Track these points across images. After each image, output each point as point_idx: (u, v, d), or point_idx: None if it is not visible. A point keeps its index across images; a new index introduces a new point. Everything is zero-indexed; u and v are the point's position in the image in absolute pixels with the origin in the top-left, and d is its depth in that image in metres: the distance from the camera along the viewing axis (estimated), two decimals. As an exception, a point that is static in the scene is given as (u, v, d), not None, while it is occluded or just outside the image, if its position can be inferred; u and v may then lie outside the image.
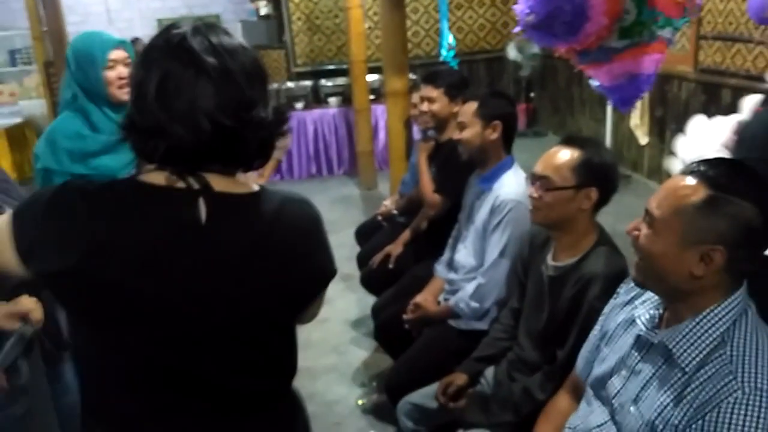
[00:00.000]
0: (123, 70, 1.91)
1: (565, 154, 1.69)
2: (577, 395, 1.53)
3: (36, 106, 7.18)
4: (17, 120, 6.54)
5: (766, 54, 3.81)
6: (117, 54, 1.92)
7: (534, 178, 1.73)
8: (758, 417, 1.06)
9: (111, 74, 1.90)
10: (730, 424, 1.07)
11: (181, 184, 0.98)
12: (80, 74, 1.90)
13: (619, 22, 1.91)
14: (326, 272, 1.11)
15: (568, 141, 1.73)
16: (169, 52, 0.96)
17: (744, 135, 1.84)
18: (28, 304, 1.41)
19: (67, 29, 5.17)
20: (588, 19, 1.88)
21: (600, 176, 1.67)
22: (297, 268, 1.06)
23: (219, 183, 1.00)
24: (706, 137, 2.01)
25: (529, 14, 1.92)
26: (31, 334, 1.40)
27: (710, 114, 4.21)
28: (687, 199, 1.15)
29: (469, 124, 2.20)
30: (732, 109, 4.02)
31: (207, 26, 1.01)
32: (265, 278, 1.02)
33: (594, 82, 2.29)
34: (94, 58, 1.89)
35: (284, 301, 1.07)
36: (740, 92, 3.91)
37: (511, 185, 2.13)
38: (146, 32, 8.37)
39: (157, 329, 1.00)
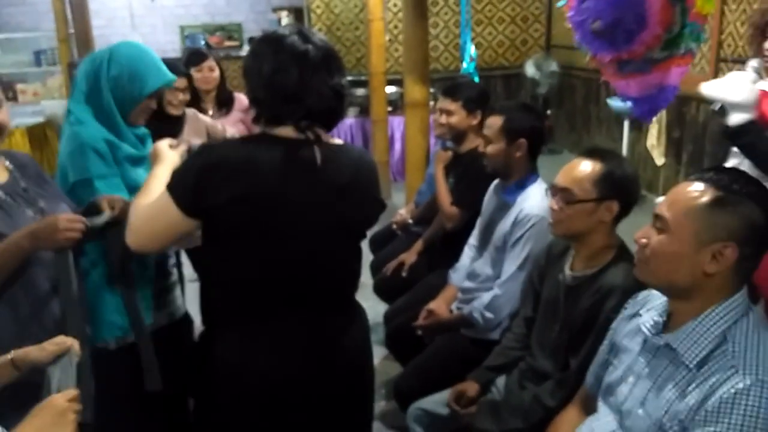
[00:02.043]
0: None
1: (587, 167, 1.70)
2: (587, 409, 1.55)
3: (58, 106, 7.28)
4: (39, 119, 6.63)
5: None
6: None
7: (555, 190, 1.74)
8: (759, 406, 1.11)
9: (147, 103, 1.85)
10: (732, 413, 1.11)
11: (302, 136, 1.40)
12: (122, 87, 1.81)
13: (667, 33, 1.93)
14: (383, 204, 1.59)
15: (590, 153, 1.75)
16: (294, 49, 1.37)
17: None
18: (66, 340, 1.34)
19: (92, 32, 5.28)
20: (645, 28, 1.91)
21: (621, 189, 1.69)
22: (371, 198, 1.54)
23: (324, 137, 1.44)
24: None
25: (595, 21, 1.93)
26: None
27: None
28: (697, 200, 1.21)
29: (494, 139, 2.21)
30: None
31: (306, 29, 1.43)
32: (356, 206, 1.48)
33: (613, 101, 2.31)
34: (145, 82, 1.82)
35: (364, 223, 1.56)
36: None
37: (536, 199, 2.13)
38: (169, 38, 8.47)
39: (285, 244, 1.40)
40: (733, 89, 2.07)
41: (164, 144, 1.65)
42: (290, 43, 1.37)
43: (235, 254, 1.41)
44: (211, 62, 3.32)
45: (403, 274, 2.84)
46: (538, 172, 2.25)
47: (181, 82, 2.52)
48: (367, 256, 3.52)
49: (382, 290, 3.05)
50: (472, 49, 4.02)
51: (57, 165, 1.89)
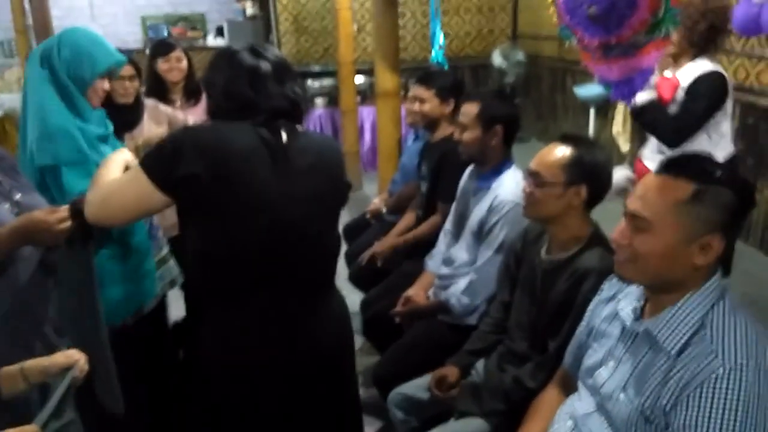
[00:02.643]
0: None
1: (558, 152, 1.73)
2: (566, 389, 1.57)
3: (16, 99, 7.08)
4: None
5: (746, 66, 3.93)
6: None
7: (528, 174, 1.78)
8: (740, 390, 1.12)
9: (99, 84, 1.88)
10: (713, 398, 1.13)
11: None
12: (73, 67, 1.82)
13: (653, 17, 2.03)
14: (350, 184, 1.72)
15: (563, 139, 1.78)
16: (244, 63, 1.52)
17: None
18: (74, 354, 1.38)
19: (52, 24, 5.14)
20: (635, 12, 1.99)
21: (590, 174, 1.71)
22: (338, 177, 1.63)
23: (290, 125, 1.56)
24: None
25: (591, 6, 1.99)
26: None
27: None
28: (676, 196, 1.20)
29: (469, 126, 2.22)
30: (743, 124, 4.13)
31: (259, 47, 1.56)
32: (323, 181, 1.57)
33: (579, 90, 2.42)
34: (95, 62, 1.84)
35: (333, 200, 1.63)
36: (736, 105, 4.01)
37: (510, 185, 2.15)
38: (130, 29, 8.31)
39: (256, 222, 1.47)
40: None
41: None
42: (241, 58, 1.53)
43: (208, 232, 1.49)
44: (179, 53, 3.26)
45: (378, 263, 2.84)
46: (512, 159, 2.28)
47: (127, 70, 2.49)
48: (341, 247, 3.52)
49: (357, 279, 3.06)
50: (440, 38, 4.03)
51: (19, 153, 1.88)
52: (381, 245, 2.86)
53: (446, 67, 3.90)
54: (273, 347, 1.55)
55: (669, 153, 2.53)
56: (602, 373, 1.38)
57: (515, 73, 6.78)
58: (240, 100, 1.50)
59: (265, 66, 1.52)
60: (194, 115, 3.16)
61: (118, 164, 1.61)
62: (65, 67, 1.81)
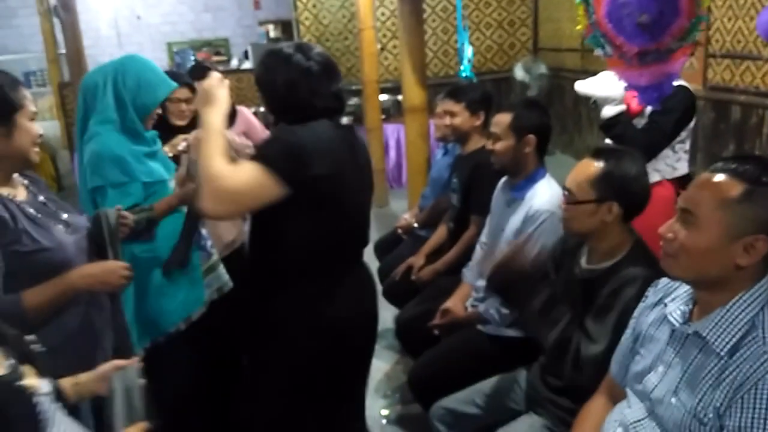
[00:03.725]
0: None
1: (588, 168, 1.71)
2: (613, 398, 1.55)
3: (49, 127, 7.27)
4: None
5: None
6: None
7: (564, 190, 1.78)
8: None
9: (167, 106, 2.17)
10: None
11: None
12: (137, 96, 1.98)
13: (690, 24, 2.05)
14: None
15: (595, 153, 1.75)
16: (300, 65, 1.71)
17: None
18: (119, 361, 1.41)
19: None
20: (677, 20, 2.01)
21: (620, 190, 1.67)
22: (370, 169, 1.91)
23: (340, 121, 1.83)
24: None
25: (642, 15, 2.02)
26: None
27: (720, 131, 4.30)
28: (727, 194, 1.21)
29: (502, 136, 2.22)
30: (742, 124, 4.10)
31: (305, 46, 1.75)
32: (370, 172, 1.90)
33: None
34: (156, 91, 2.02)
35: (373, 188, 1.93)
36: (750, 108, 3.98)
37: (545, 195, 2.15)
38: (156, 55, 8.50)
39: (348, 211, 1.76)
40: (602, 86, 2.41)
41: (213, 82, 1.71)
42: (296, 60, 1.69)
43: (317, 222, 1.69)
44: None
45: (413, 277, 2.85)
46: (545, 168, 2.28)
47: (183, 93, 2.56)
48: (373, 262, 3.53)
49: (391, 295, 3.06)
50: (469, 51, 4.06)
51: (77, 171, 2.08)
52: (418, 262, 2.87)
53: (475, 81, 3.92)
54: (366, 307, 1.90)
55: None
56: (652, 379, 1.37)
57: (538, 86, 6.78)
58: (300, 100, 1.68)
59: (316, 67, 1.69)
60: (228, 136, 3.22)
61: (217, 129, 1.63)
62: (131, 96, 1.97)
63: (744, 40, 4.01)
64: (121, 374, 1.35)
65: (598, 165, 1.70)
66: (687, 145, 2.57)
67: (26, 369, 1.15)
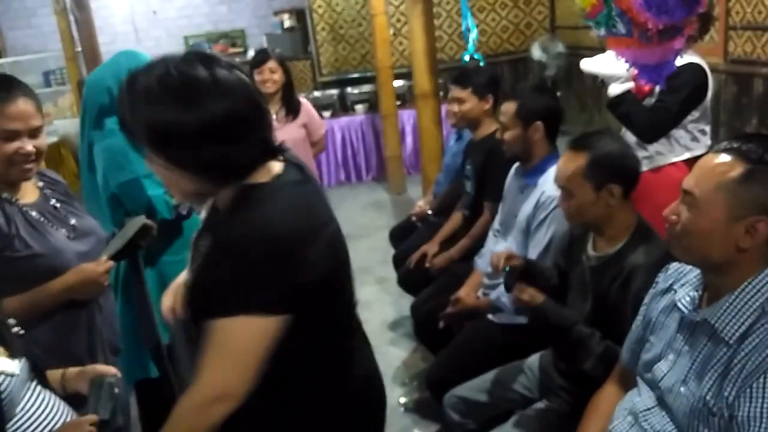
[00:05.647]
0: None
1: (574, 161, 1.71)
2: (625, 386, 1.54)
3: (70, 125, 7.36)
4: (53, 139, 6.70)
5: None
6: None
7: (559, 188, 1.76)
8: None
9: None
10: None
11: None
12: None
13: None
14: None
15: (574, 144, 1.75)
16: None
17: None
18: (112, 369, 1.40)
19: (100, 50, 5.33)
20: None
21: (613, 171, 1.68)
22: None
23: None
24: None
25: None
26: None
27: (743, 105, 4.18)
28: (726, 174, 1.18)
29: (510, 125, 2.21)
30: (765, 98, 3.98)
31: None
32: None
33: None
34: None
35: None
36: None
37: None
38: (173, 49, 8.54)
39: (342, 290, 1.26)
40: (608, 64, 2.32)
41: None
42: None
43: (319, 316, 1.22)
44: (272, 64, 3.11)
45: (427, 264, 2.84)
46: (558, 152, 2.24)
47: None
48: (387, 252, 3.53)
49: (406, 283, 3.06)
50: (474, 33, 3.97)
51: (81, 183, 2.08)
52: (432, 249, 2.85)
53: (482, 63, 3.86)
54: (377, 385, 1.40)
55: (651, 148, 2.44)
56: (661, 367, 1.34)
57: (556, 65, 6.66)
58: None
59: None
60: (288, 133, 2.97)
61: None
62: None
63: (765, 11, 3.89)
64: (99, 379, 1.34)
65: (582, 155, 1.70)
66: (702, 124, 2.47)
67: None
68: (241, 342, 1.10)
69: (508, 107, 2.21)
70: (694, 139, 2.45)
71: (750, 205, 1.16)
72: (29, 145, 1.48)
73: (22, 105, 1.47)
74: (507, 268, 1.80)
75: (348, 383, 1.31)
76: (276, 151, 1.20)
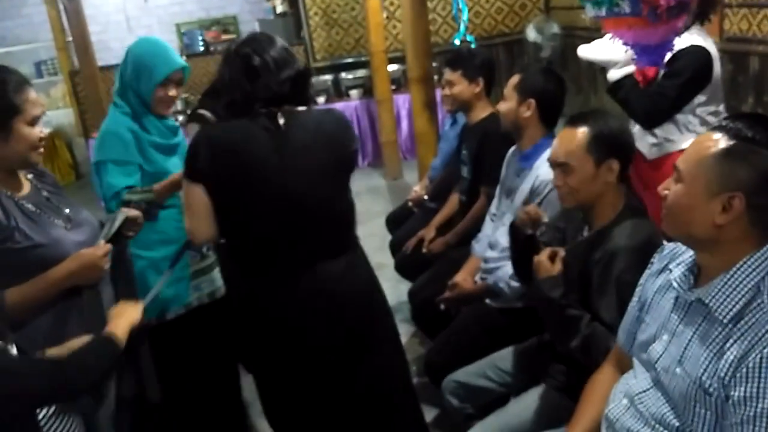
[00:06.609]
0: (173, 91, 2.09)
1: (575, 136, 1.70)
2: (621, 367, 1.54)
3: (63, 115, 7.33)
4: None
5: (793, 18, 3.74)
6: (175, 75, 2.08)
7: (554, 166, 1.75)
8: None
9: (161, 92, 2.05)
10: None
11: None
12: (135, 81, 2.04)
13: None
14: (356, 148, 1.84)
15: (573, 121, 1.74)
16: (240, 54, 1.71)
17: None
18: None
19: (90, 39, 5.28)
20: None
21: (615, 146, 1.69)
22: (340, 145, 1.78)
23: (287, 108, 1.72)
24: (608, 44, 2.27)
25: None
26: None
27: (739, 83, 4.16)
28: (709, 149, 1.19)
29: (507, 97, 2.22)
30: (761, 76, 3.96)
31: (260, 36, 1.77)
32: (324, 152, 1.73)
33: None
34: (152, 74, 2.02)
35: (340, 167, 1.79)
36: (769, 59, 3.84)
37: None
38: (166, 37, 8.45)
39: (268, 198, 1.68)
40: (605, 50, 2.30)
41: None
42: (237, 51, 1.70)
43: (232, 216, 1.69)
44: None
45: (424, 250, 2.84)
46: (554, 137, 2.23)
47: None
48: (383, 238, 3.52)
49: (403, 268, 3.06)
50: (465, 15, 3.93)
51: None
52: (428, 234, 2.85)
53: (474, 45, 3.82)
54: (306, 301, 1.75)
55: (660, 135, 2.38)
56: (656, 348, 1.34)
57: (551, 46, 6.62)
58: (240, 91, 1.67)
59: (259, 57, 1.66)
60: None
61: None
62: (130, 82, 2.03)
63: (761, -12, 3.86)
64: None
65: (583, 130, 1.70)
66: (713, 107, 2.35)
67: None
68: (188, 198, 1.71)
69: (513, 80, 2.23)
70: (704, 123, 2.33)
71: (728, 181, 1.16)
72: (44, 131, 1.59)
73: (34, 92, 1.56)
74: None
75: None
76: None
